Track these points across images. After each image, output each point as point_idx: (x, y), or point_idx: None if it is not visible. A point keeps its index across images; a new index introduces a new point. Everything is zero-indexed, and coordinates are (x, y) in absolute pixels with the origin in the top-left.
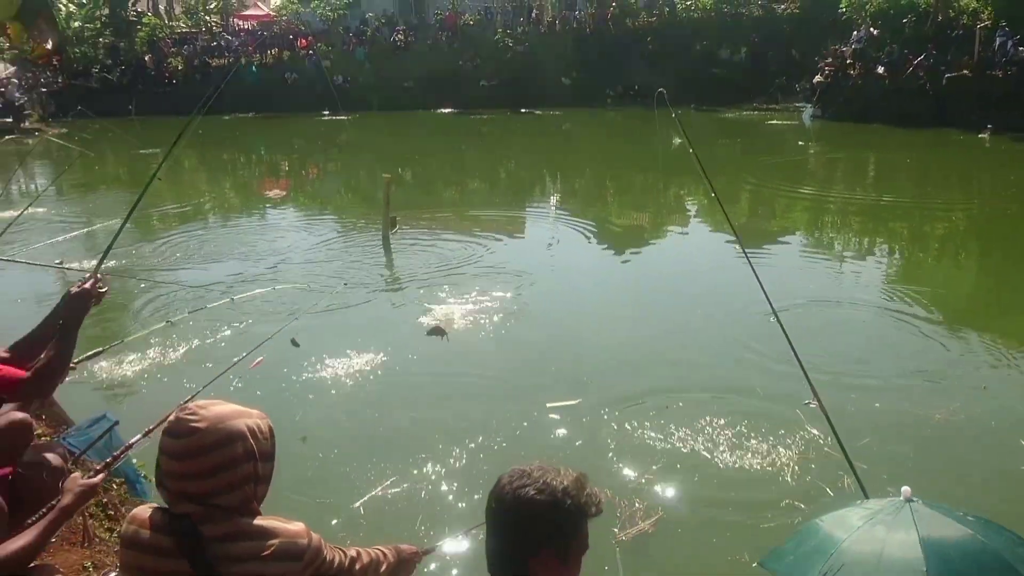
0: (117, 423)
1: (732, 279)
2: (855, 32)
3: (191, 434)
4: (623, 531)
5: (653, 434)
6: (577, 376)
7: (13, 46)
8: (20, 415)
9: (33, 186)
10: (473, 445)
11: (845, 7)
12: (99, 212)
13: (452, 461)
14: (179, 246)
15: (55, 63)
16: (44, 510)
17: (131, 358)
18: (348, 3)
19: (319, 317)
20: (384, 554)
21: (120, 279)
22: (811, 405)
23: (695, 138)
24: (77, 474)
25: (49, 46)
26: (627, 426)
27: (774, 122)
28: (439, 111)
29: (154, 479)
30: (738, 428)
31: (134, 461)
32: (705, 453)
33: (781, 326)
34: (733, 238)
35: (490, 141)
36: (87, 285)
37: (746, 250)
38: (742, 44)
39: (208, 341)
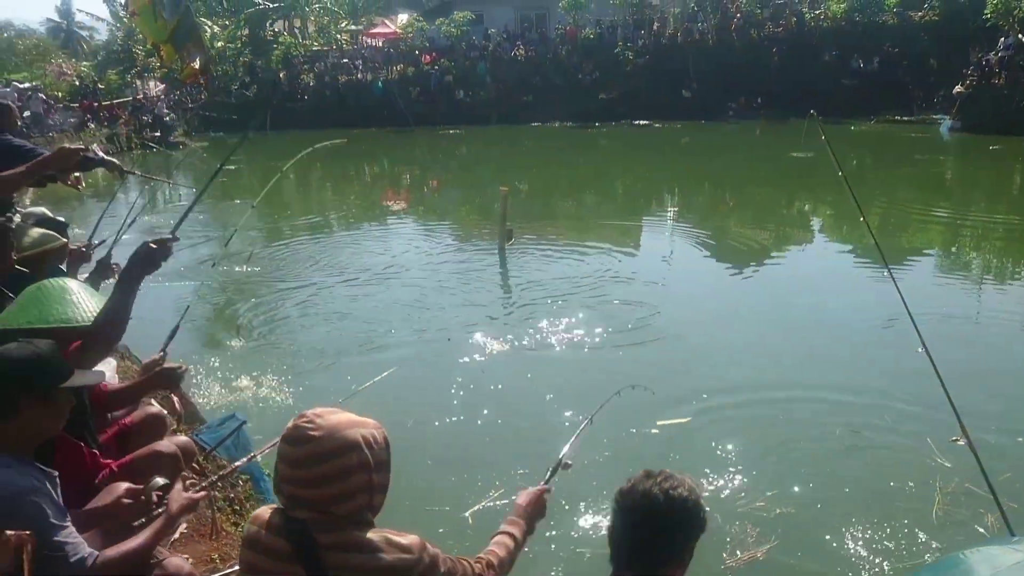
0: (245, 423)
1: (864, 300)
2: (1002, 39)
3: (308, 442)
4: (732, 557)
5: (772, 460)
6: (691, 394)
7: (163, 66)
8: (156, 408)
9: (179, 194)
10: (584, 459)
11: (990, 13)
12: (231, 218)
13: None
14: (306, 254)
15: (202, 82)
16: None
17: (264, 361)
18: (471, 20)
19: (438, 327)
20: (507, 542)
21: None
22: (959, 442)
23: (820, 151)
24: (179, 486)
25: (197, 66)
26: (742, 449)
27: (909, 134)
28: (557, 124)
29: (270, 475)
30: (867, 457)
31: (258, 459)
32: (824, 480)
33: (930, 358)
34: (862, 257)
35: (607, 154)
36: (164, 243)
37: (884, 268)
38: (875, 53)
39: (337, 351)
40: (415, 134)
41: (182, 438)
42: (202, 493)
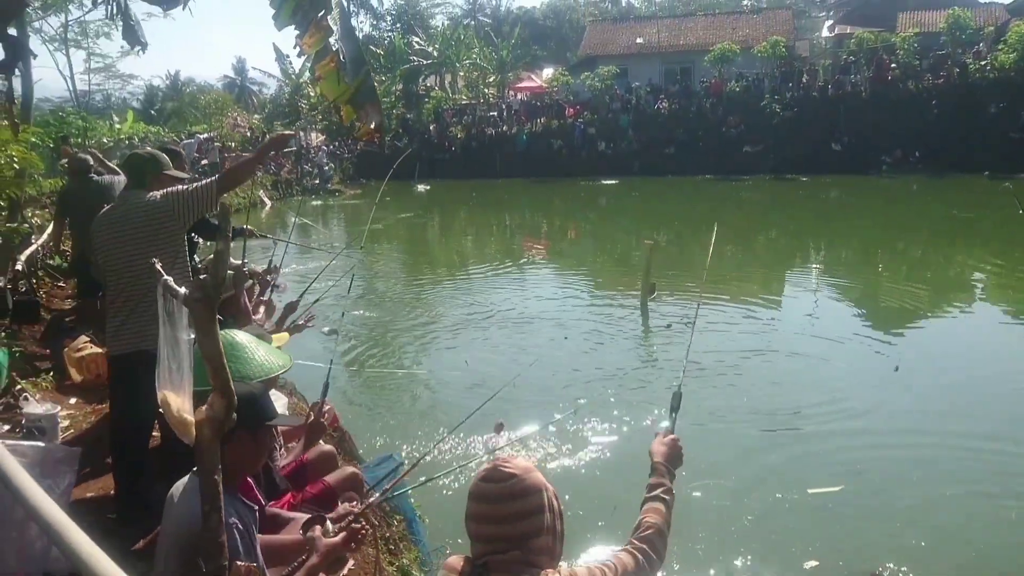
0: (402, 464)
1: None
2: None
3: (507, 479)
4: None
5: (920, 535)
6: (844, 463)
7: (344, 124)
8: (328, 447)
9: (333, 234)
10: (733, 528)
11: None
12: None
13: (701, 545)
14: (447, 297)
15: (376, 140)
16: (295, 564)
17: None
18: (616, 74)
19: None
20: (660, 507)
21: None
22: None
23: (982, 207)
24: (318, 532)
25: (373, 126)
26: (895, 523)
27: None
28: (699, 176)
29: (422, 518)
30: None
31: (412, 500)
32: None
33: None
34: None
35: (748, 207)
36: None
37: None
38: None
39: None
40: (557, 185)
41: (351, 469)
42: (341, 537)
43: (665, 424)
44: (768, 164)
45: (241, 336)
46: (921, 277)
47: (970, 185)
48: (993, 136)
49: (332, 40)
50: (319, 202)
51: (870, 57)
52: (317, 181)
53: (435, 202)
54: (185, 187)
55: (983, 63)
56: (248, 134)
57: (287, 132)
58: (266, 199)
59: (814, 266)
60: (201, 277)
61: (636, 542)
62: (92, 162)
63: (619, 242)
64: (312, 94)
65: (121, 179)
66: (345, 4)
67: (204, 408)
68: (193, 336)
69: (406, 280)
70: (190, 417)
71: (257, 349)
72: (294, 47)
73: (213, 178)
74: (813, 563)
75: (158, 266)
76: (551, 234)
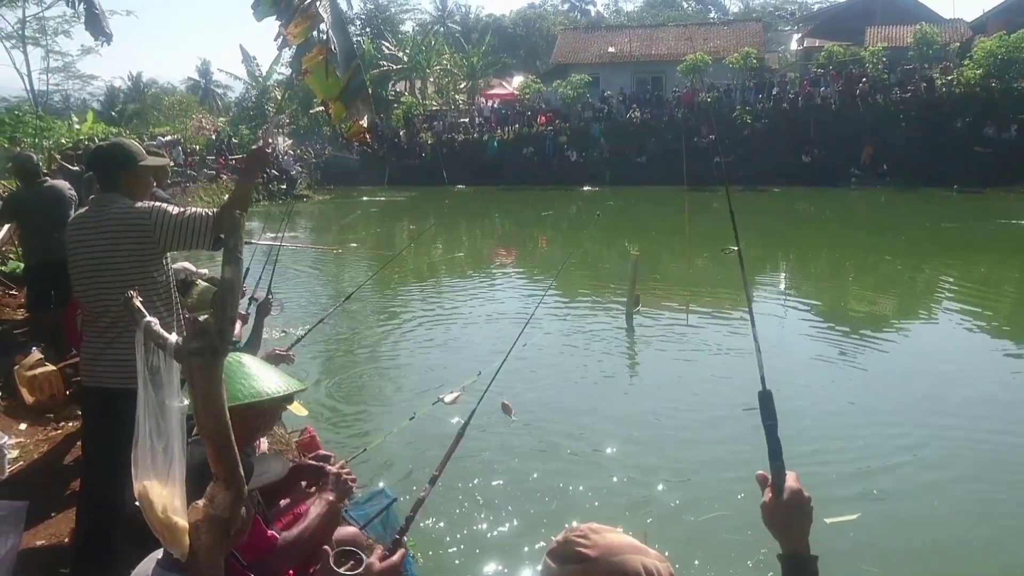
0: (396, 500)
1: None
2: None
3: (579, 561)
4: None
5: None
6: (860, 489)
7: (303, 127)
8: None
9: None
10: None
11: None
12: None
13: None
14: (418, 305)
15: (367, 139)
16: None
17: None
18: (588, 83)
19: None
20: None
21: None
22: None
23: (949, 219)
24: (374, 559)
25: (365, 124)
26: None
27: None
28: (669, 187)
29: (418, 557)
30: None
31: (406, 539)
32: None
33: None
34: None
35: (720, 218)
36: (263, 151)
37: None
38: (1011, 121)
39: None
40: (527, 193)
41: (350, 529)
42: (400, 554)
43: (775, 469)
44: (740, 175)
45: (245, 357)
46: (886, 291)
47: (937, 198)
48: (959, 150)
49: (321, 28)
50: (285, 207)
51: (839, 70)
52: (284, 186)
53: (408, 209)
54: (179, 211)
55: (949, 78)
56: (213, 137)
57: (263, 146)
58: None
59: (782, 278)
60: (201, 319)
61: None
62: (36, 159)
63: (596, 252)
64: (279, 97)
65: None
66: None
67: (201, 504)
68: (187, 403)
69: (392, 293)
70: (181, 520)
71: (267, 368)
72: (276, 38)
73: (210, 210)
74: None
75: (137, 302)
76: (523, 242)
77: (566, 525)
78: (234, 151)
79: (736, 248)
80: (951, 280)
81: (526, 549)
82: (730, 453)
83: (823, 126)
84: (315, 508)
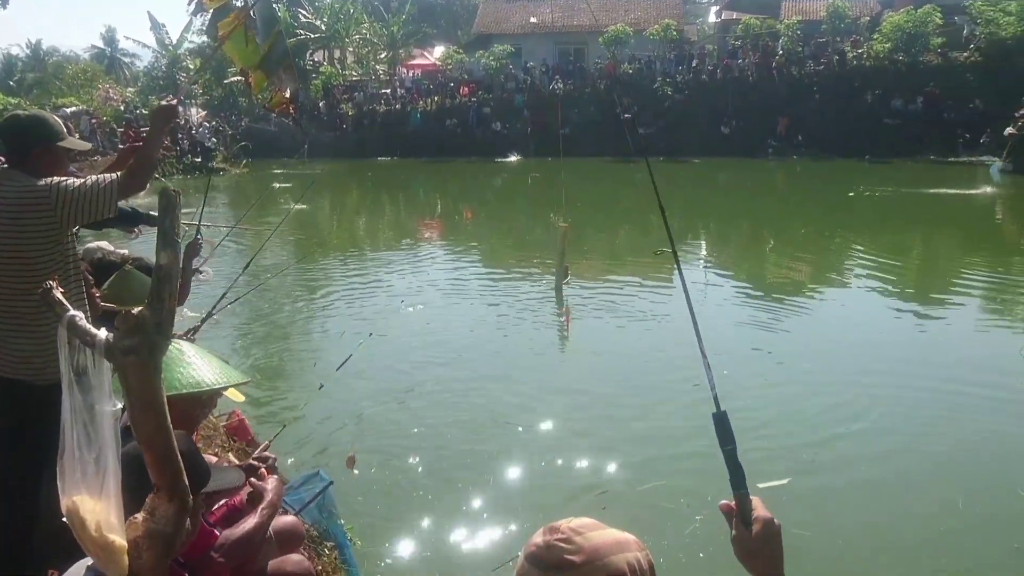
0: (331, 483)
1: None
2: None
3: (565, 568)
4: None
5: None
6: (784, 452)
7: (217, 97)
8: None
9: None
10: (679, 536)
11: None
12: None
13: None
14: (344, 282)
15: (291, 111)
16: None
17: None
18: (510, 53)
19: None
20: None
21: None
22: None
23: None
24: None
25: (288, 95)
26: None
27: (955, 175)
28: (594, 158)
29: (355, 541)
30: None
31: (341, 522)
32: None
33: None
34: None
35: (643, 189)
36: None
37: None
38: (917, 94)
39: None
40: (451, 165)
41: (288, 518)
42: None
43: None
44: (661, 146)
45: (184, 344)
46: (802, 257)
47: (850, 168)
48: (869, 122)
49: None
50: (200, 181)
51: (755, 43)
52: (199, 159)
53: (328, 183)
54: (77, 181)
55: (860, 51)
56: (122, 108)
57: (169, 102)
58: None
59: (703, 247)
60: (136, 311)
61: None
62: None
63: (520, 224)
64: (191, 66)
65: None
66: None
67: (140, 519)
68: (121, 406)
69: (309, 266)
70: (118, 538)
71: (204, 355)
72: (188, 3)
73: (113, 175)
74: None
75: (58, 293)
76: (447, 215)
77: (537, 518)
78: (143, 123)
79: (670, 250)
80: (861, 248)
81: (464, 531)
82: (664, 420)
83: (741, 98)
84: (255, 517)
